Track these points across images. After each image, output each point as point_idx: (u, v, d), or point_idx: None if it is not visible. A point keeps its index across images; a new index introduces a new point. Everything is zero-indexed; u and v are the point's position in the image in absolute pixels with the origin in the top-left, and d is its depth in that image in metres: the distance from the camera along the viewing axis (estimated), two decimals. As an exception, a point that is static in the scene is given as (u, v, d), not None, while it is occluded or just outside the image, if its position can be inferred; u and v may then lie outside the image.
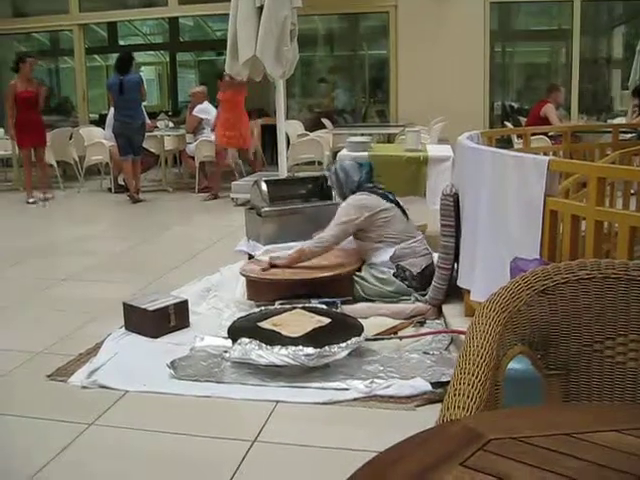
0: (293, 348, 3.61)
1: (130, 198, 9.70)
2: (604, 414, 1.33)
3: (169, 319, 4.39)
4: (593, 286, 1.68)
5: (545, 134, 8.42)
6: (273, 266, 4.81)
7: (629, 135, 7.88)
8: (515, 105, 13.25)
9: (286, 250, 5.16)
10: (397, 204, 4.95)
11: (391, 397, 3.41)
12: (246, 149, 10.40)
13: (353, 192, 4.98)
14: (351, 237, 4.97)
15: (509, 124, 10.96)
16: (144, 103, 10.24)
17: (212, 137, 10.20)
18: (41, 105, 10.06)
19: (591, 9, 11.59)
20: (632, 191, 4.99)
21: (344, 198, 5.01)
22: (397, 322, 4.29)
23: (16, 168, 11.52)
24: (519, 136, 8.08)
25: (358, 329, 3.89)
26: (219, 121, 9.88)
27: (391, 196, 4.98)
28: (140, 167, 10.10)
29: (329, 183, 5.29)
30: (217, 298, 4.99)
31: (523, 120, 10.71)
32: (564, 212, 3.28)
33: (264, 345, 3.66)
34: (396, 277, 4.70)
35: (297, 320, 4.04)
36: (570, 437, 1.11)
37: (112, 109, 10.36)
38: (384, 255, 4.78)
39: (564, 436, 1.11)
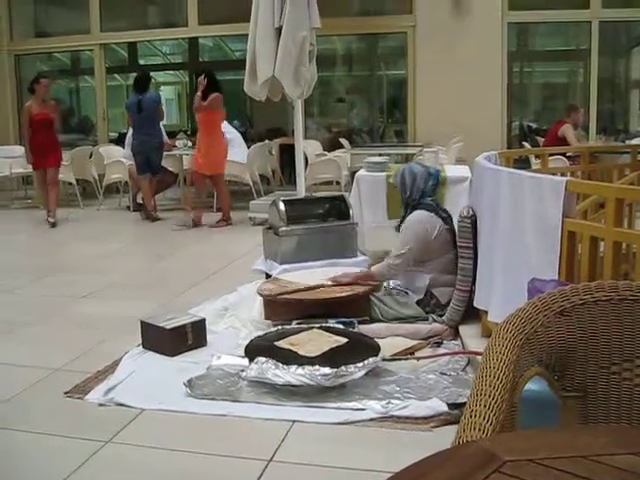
0: (310, 368, 3.61)
1: (147, 217, 9.74)
2: (621, 437, 1.32)
3: (186, 337, 4.40)
4: (611, 308, 1.67)
5: (563, 154, 8.40)
6: (336, 285, 4.78)
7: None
8: (533, 125, 13.24)
9: (302, 270, 5.17)
10: (452, 230, 4.79)
11: (407, 418, 3.40)
12: (217, 175, 9.61)
13: (414, 200, 4.86)
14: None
15: (527, 144, 10.95)
16: (162, 122, 10.31)
17: (231, 157, 10.26)
18: (57, 127, 10.05)
19: (609, 29, 11.59)
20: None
21: (404, 203, 4.91)
22: (414, 342, 4.28)
23: (36, 186, 11.60)
24: (537, 156, 8.08)
25: (375, 349, 3.88)
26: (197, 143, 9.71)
27: (450, 223, 4.83)
28: (155, 186, 10.13)
29: (392, 180, 5.15)
30: (234, 317, 5.00)
31: (541, 140, 10.69)
32: (582, 233, 3.27)
33: (281, 364, 3.66)
34: (419, 302, 4.67)
35: (314, 340, 4.04)
36: (587, 460, 1.10)
37: (131, 129, 10.46)
38: (418, 281, 4.74)
39: (580, 458, 1.11)
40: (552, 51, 14.13)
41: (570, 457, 1.11)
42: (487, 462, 1.08)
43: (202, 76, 8.94)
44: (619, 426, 1.65)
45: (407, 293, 4.77)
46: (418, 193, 4.87)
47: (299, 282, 4.90)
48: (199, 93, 8.94)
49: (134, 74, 11.17)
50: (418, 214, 4.80)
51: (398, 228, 4.88)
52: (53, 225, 9.56)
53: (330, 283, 4.82)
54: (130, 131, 10.56)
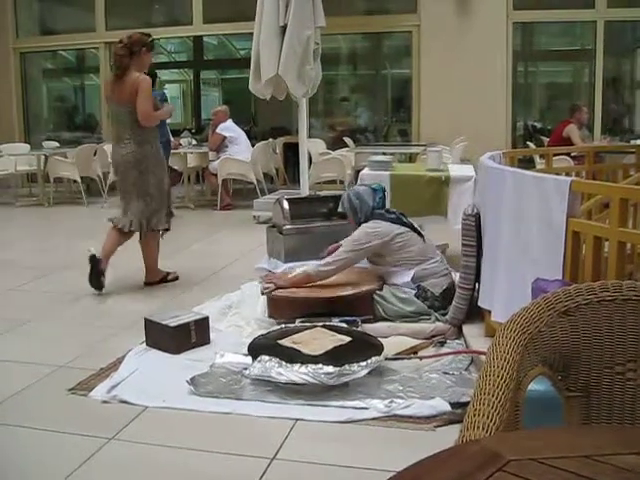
0: (313, 366, 3.61)
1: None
2: (625, 437, 1.32)
3: (190, 335, 4.41)
4: (615, 308, 1.67)
5: (568, 154, 8.40)
6: (278, 288, 4.80)
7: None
8: (538, 125, 13.22)
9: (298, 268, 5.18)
10: (411, 227, 4.94)
11: (410, 417, 3.40)
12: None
13: (367, 217, 4.95)
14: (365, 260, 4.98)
15: (531, 144, 10.95)
16: (168, 121, 10.31)
17: (235, 155, 10.29)
18: None
19: (614, 29, 11.57)
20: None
21: (358, 223, 4.98)
22: (417, 342, 4.28)
23: (41, 183, 11.64)
24: (541, 156, 8.07)
25: (378, 348, 3.88)
26: None
27: (405, 219, 4.96)
28: None
29: (340, 209, 5.17)
30: (238, 315, 5.00)
31: (545, 140, 10.68)
32: (586, 233, 3.26)
33: (284, 363, 3.67)
34: (417, 297, 4.69)
35: (317, 338, 4.04)
36: (590, 459, 1.10)
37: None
38: (403, 277, 4.77)
39: (584, 458, 1.11)
40: (557, 51, 14.10)
41: (574, 457, 1.11)
42: (491, 461, 1.08)
43: None
44: (623, 426, 1.65)
45: (405, 291, 4.78)
46: (369, 211, 4.99)
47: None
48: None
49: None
50: (365, 225, 4.91)
51: None
52: None
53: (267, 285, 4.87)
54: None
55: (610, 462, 1.10)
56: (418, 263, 4.79)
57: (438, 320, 4.57)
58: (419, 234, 4.93)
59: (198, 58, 16.53)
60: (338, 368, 3.60)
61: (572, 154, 8.43)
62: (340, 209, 5.19)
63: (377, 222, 4.89)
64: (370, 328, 4.42)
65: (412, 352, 4.17)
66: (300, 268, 5.01)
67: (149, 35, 5.89)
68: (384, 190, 5.23)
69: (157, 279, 6.10)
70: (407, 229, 4.88)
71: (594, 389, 1.67)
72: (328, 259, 4.82)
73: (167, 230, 6.11)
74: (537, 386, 1.64)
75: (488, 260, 4.14)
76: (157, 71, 10.55)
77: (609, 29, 11.29)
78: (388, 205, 5.96)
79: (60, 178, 11.63)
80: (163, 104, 6.93)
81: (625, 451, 1.14)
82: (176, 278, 6.21)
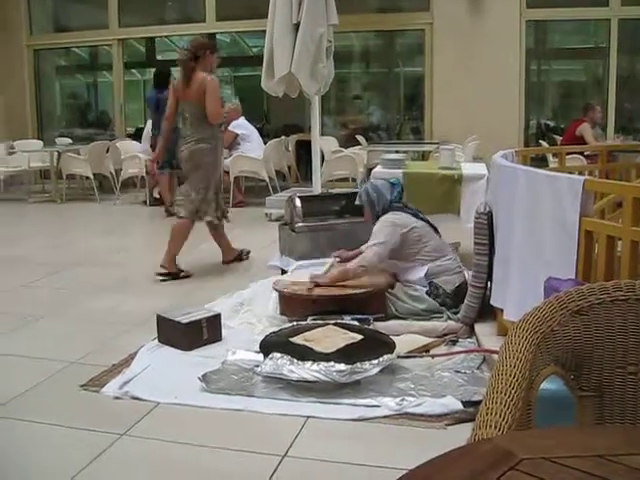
0: (324, 364, 3.62)
1: (166, 212, 9.78)
2: (638, 437, 1.32)
3: (202, 332, 4.42)
4: (628, 308, 1.66)
5: (581, 153, 8.36)
6: (317, 286, 4.79)
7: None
8: (551, 124, 13.16)
9: (318, 266, 5.17)
10: (427, 222, 4.95)
11: (422, 415, 3.39)
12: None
13: (385, 211, 4.97)
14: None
15: (544, 143, 10.91)
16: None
17: (248, 152, 10.30)
18: None
19: (629, 27, 11.51)
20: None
21: (376, 217, 4.98)
22: (429, 340, 4.28)
23: (54, 179, 11.68)
24: (554, 155, 8.05)
25: (390, 346, 3.88)
26: None
27: (421, 214, 4.98)
28: (176, 181, 10.18)
29: (358, 202, 5.18)
30: (250, 312, 5.01)
31: (559, 139, 10.64)
32: (599, 232, 3.25)
33: (295, 360, 3.67)
34: (429, 295, 4.69)
35: (329, 336, 4.05)
36: (603, 459, 1.10)
37: (149, 123, 10.50)
38: (417, 273, 4.77)
39: (597, 458, 1.11)
40: (570, 49, 14.03)
41: (586, 456, 1.11)
42: (503, 460, 1.08)
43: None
44: (635, 426, 1.65)
45: (416, 289, 4.77)
46: (386, 203, 4.99)
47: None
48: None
49: (152, 69, 11.20)
50: (385, 216, 4.91)
51: None
52: None
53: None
54: (148, 126, 10.61)
55: (623, 462, 1.09)
56: (433, 259, 4.79)
57: (450, 319, 4.57)
58: (435, 230, 4.95)
59: (211, 55, 16.54)
60: (350, 366, 3.60)
61: (585, 153, 8.40)
62: (357, 202, 5.17)
63: (396, 213, 4.90)
64: (382, 326, 4.42)
65: (424, 350, 4.17)
66: (336, 268, 4.99)
67: (211, 38, 6.27)
68: (402, 185, 5.23)
69: (170, 270, 6.25)
70: (423, 223, 4.90)
71: (607, 389, 1.67)
72: (363, 255, 4.80)
73: (217, 223, 6.58)
74: (549, 385, 1.64)
75: (500, 258, 4.13)
76: (170, 68, 10.56)
77: (623, 27, 11.22)
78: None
79: (73, 175, 11.69)
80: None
81: (638, 451, 1.14)
82: (188, 276, 6.33)
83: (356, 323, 4.36)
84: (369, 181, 5.58)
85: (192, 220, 6.30)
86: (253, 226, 8.95)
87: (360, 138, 11.91)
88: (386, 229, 4.81)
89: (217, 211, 6.44)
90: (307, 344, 3.92)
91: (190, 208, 6.26)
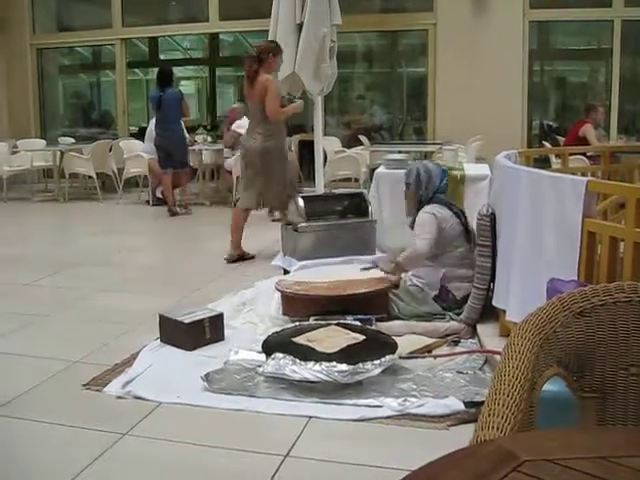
0: (327, 364, 3.62)
1: (169, 211, 9.79)
2: (640, 439, 1.32)
3: (204, 332, 4.42)
4: (631, 309, 1.66)
5: (583, 154, 8.35)
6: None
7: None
8: (553, 124, 13.14)
9: (322, 266, 5.18)
10: (465, 227, 4.81)
11: (424, 416, 3.39)
12: None
13: (429, 196, 4.85)
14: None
15: (547, 144, 10.90)
16: (187, 118, 10.36)
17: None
18: None
19: (632, 28, 11.49)
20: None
21: (419, 200, 4.87)
22: (431, 341, 4.28)
23: (57, 179, 11.70)
24: (557, 156, 8.04)
25: (392, 347, 3.88)
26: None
27: (463, 217, 4.85)
28: (183, 180, 10.21)
29: (405, 179, 5.00)
30: (252, 312, 5.01)
31: (561, 140, 10.63)
32: (602, 234, 3.25)
33: (298, 360, 3.67)
34: (436, 298, 4.67)
35: (331, 336, 4.05)
36: (605, 461, 1.10)
37: (152, 122, 10.54)
38: (433, 274, 4.73)
39: (599, 459, 1.11)
40: (573, 50, 14.02)
41: (589, 458, 1.11)
42: (506, 461, 1.08)
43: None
44: (638, 428, 1.65)
45: (423, 290, 4.76)
46: (432, 190, 4.88)
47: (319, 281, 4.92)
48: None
49: (155, 69, 11.21)
50: (429, 207, 4.80)
51: (412, 225, 4.87)
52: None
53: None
54: (151, 125, 10.64)
55: (625, 464, 1.09)
56: (453, 265, 4.72)
57: (452, 319, 4.56)
58: (468, 237, 4.78)
59: (214, 55, 16.55)
60: (352, 366, 3.60)
61: (588, 154, 8.39)
62: (405, 180, 5.01)
63: (440, 207, 4.79)
64: (384, 326, 4.42)
65: (426, 351, 4.17)
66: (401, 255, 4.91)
67: (274, 42, 6.56)
68: (447, 174, 5.16)
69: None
70: (462, 228, 4.78)
71: (609, 390, 1.67)
72: (413, 247, 4.72)
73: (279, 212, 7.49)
74: (552, 387, 1.64)
75: (503, 259, 4.13)
76: (173, 68, 10.58)
77: (626, 28, 11.21)
78: (402, 203, 5.96)
79: (76, 174, 11.69)
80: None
81: (640, 453, 1.14)
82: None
83: (358, 323, 4.36)
84: (421, 161, 5.45)
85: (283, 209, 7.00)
86: (256, 226, 8.92)
87: (363, 138, 11.90)
88: (432, 220, 4.69)
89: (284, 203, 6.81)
90: (309, 344, 3.92)
91: (257, 198, 6.80)
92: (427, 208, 4.80)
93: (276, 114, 6.63)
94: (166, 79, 9.85)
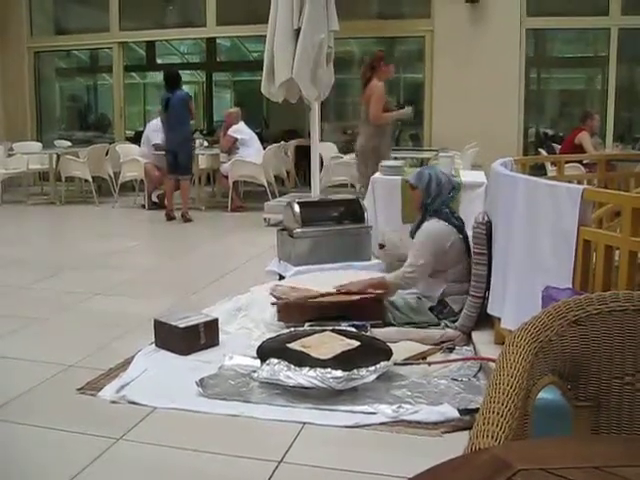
0: (321, 370, 3.61)
1: (166, 215, 9.77)
2: (635, 448, 1.32)
3: (199, 337, 4.41)
4: (626, 318, 1.67)
5: (579, 162, 8.37)
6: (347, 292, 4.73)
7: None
8: (550, 132, 13.18)
9: (317, 272, 5.17)
10: (466, 240, 4.75)
11: (418, 423, 3.39)
12: None
13: (435, 207, 4.79)
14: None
15: (543, 151, 10.92)
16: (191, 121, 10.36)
17: (247, 157, 10.31)
18: None
19: (628, 36, 11.53)
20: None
21: (424, 206, 4.84)
22: (426, 347, 4.28)
23: (53, 182, 11.69)
24: (553, 164, 8.06)
25: (387, 353, 3.88)
26: None
27: (464, 230, 4.81)
28: (185, 187, 10.06)
29: (414, 182, 4.93)
30: (247, 318, 5.00)
31: (557, 147, 10.66)
32: (598, 242, 3.25)
33: (292, 366, 3.67)
34: (432, 309, 4.67)
35: (326, 342, 4.04)
36: (599, 470, 1.10)
37: (148, 126, 10.57)
38: (433, 289, 4.73)
39: (593, 469, 1.11)
40: (570, 58, 14.07)
41: (583, 467, 1.11)
42: (500, 470, 1.08)
43: None
44: (632, 437, 1.65)
45: (420, 299, 4.76)
46: (439, 201, 4.82)
47: (311, 287, 4.90)
48: None
49: (152, 73, 11.23)
50: (434, 224, 4.76)
51: (413, 233, 4.86)
52: None
53: (336, 291, 4.79)
54: (147, 129, 10.67)
55: (619, 473, 1.09)
56: (454, 281, 4.70)
57: (447, 327, 4.56)
58: (468, 250, 4.70)
59: (211, 60, 16.58)
60: (347, 373, 3.60)
61: (584, 162, 8.41)
62: (413, 181, 4.94)
63: (445, 224, 4.76)
64: (379, 333, 4.41)
65: (421, 358, 4.17)
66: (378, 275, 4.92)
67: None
68: (457, 188, 5.19)
69: None
70: (463, 245, 4.74)
71: (604, 399, 1.67)
72: (406, 270, 4.66)
73: None
74: (546, 395, 1.64)
75: (498, 267, 4.13)
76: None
77: (623, 36, 11.24)
78: (398, 209, 5.96)
79: (72, 177, 11.69)
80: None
81: (635, 463, 1.14)
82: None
83: (353, 329, 4.36)
84: (434, 168, 5.38)
85: None
86: (251, 231, 8.95)
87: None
88: (432, 244, 4.68)
89: None
90: (304, 350, 3.91)
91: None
92: (431, 225, 4.77)
93: (376, 117, 7.39)
94: (173, 81, 9.86)
